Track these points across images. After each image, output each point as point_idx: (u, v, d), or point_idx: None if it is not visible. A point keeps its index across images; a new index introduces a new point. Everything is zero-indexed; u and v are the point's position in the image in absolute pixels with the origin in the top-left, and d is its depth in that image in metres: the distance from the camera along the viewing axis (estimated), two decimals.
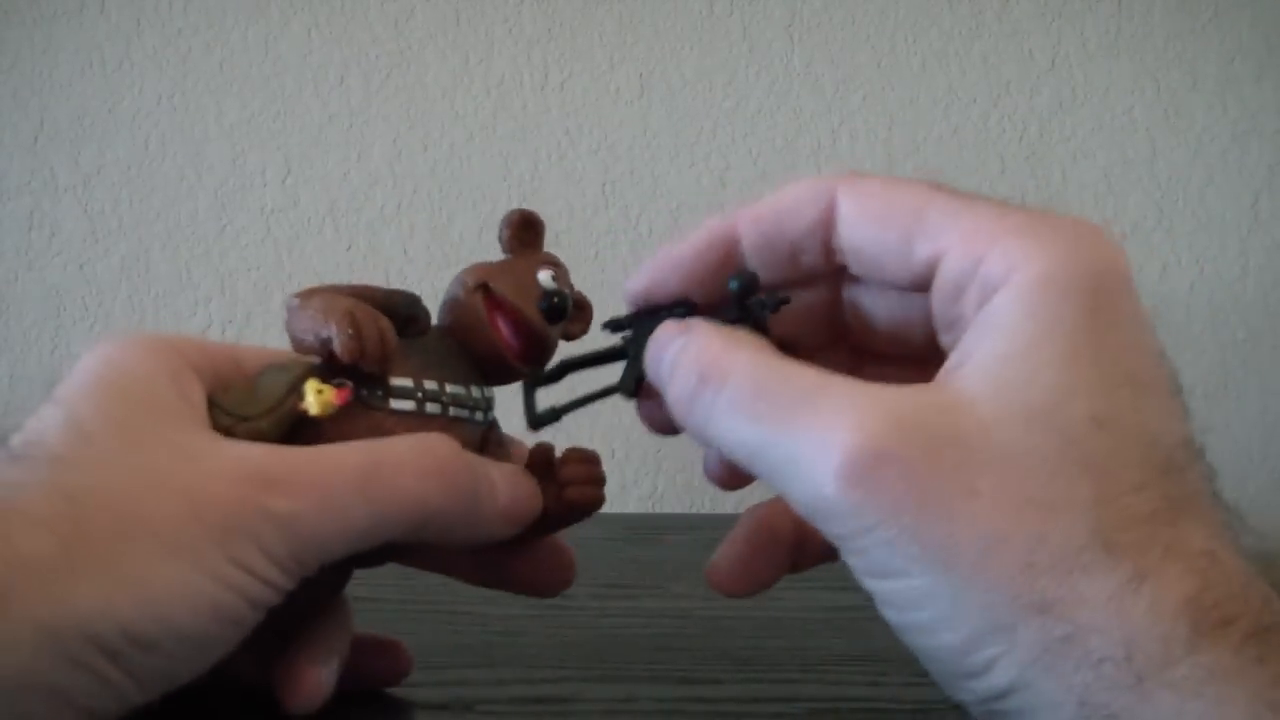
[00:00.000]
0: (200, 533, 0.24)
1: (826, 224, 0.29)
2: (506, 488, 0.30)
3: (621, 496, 0.71)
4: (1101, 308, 0.25)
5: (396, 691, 0.34)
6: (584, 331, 0.33)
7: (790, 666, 0.37)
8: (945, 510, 0.23)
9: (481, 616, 0.40)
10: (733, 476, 0.32)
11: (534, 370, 0.32)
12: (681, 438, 0.30)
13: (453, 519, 0.28)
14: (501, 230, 0.32)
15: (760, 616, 0.41)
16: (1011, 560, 0.23)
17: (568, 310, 0.32)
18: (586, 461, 0.31)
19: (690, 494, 0.72)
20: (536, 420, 0.32)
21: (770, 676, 0.36)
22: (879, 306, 0.30)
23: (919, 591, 0.23)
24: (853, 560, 0.25)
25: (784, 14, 0.73)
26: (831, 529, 0.24)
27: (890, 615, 0.25)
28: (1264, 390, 0.74)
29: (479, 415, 0.31)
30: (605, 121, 0.72)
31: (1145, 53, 0.74)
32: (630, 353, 0.31)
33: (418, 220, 0.71)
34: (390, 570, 0.32)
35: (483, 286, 0.31)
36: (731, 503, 0.66)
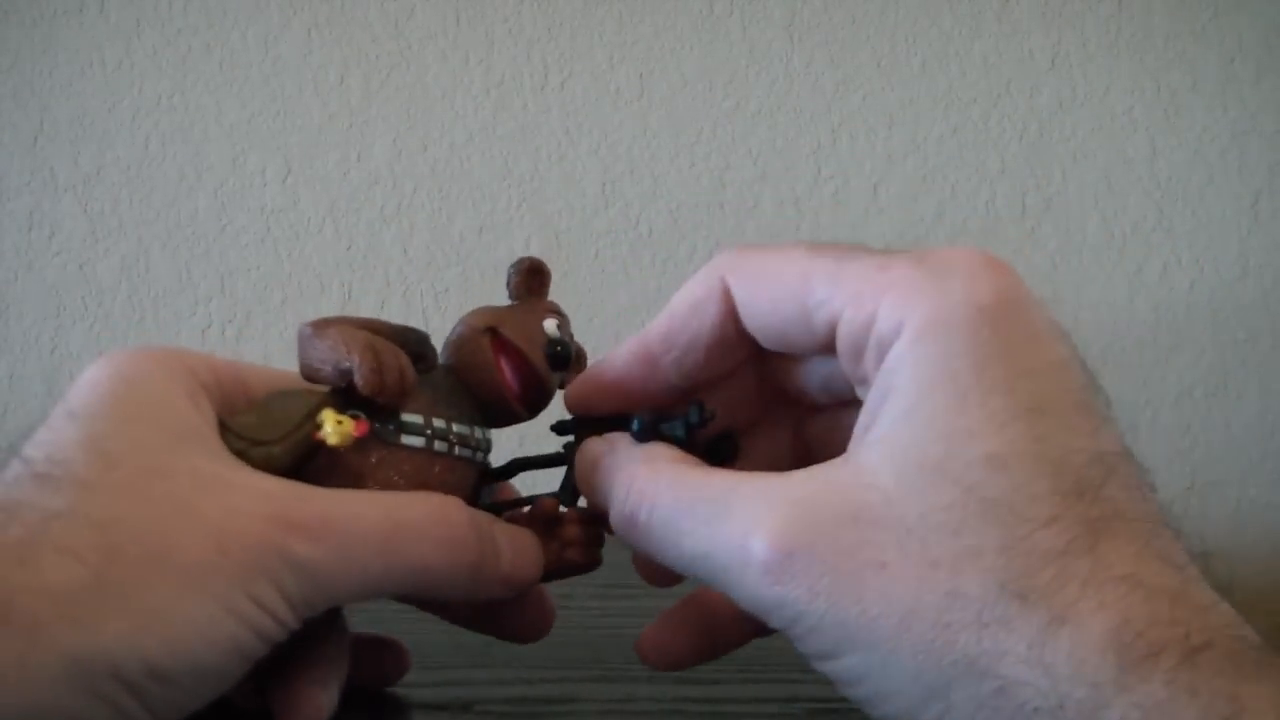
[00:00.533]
0: (224, 569, 0.25)
1: (731, 315, 0.29)
2: (511, 554, 0.30)
3: None
4: (989, 340, 0.24)
5: (396, 691, 0.34)
6: None
7: (790, 666, 0.37)
8: (857, 589, 0.23)
9: None
10: (661, 576, 0.33)
11: (487, 466, 0.33)
12: None
13: (453, 584, 0.29)
14: (510, 276, 0.33)
15: None
16: (927, 625, 0.23)
17: (570, 359, 0.32)
18: (588, 523, 0.32)
19: None
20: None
21: (770, 676, 0.36)
22: (804, 370, 0.31)
23: (854, 670, 0.24)
24: (798, 647, 0.25)
25: (784, 14, 0.73)
26: (770, 624, 0.25)
27: (845, 692, 0.25)
28: (1264, 390, 0.74)
29: (480, 455, 0.32)
30: (605, 121, 0.72)
31: (1145, 53, 0.74)
32: (568, 469, 0.32)
33: (418, 220, 0.71)
34: None
35: (491, 330, 0.32)
36: None
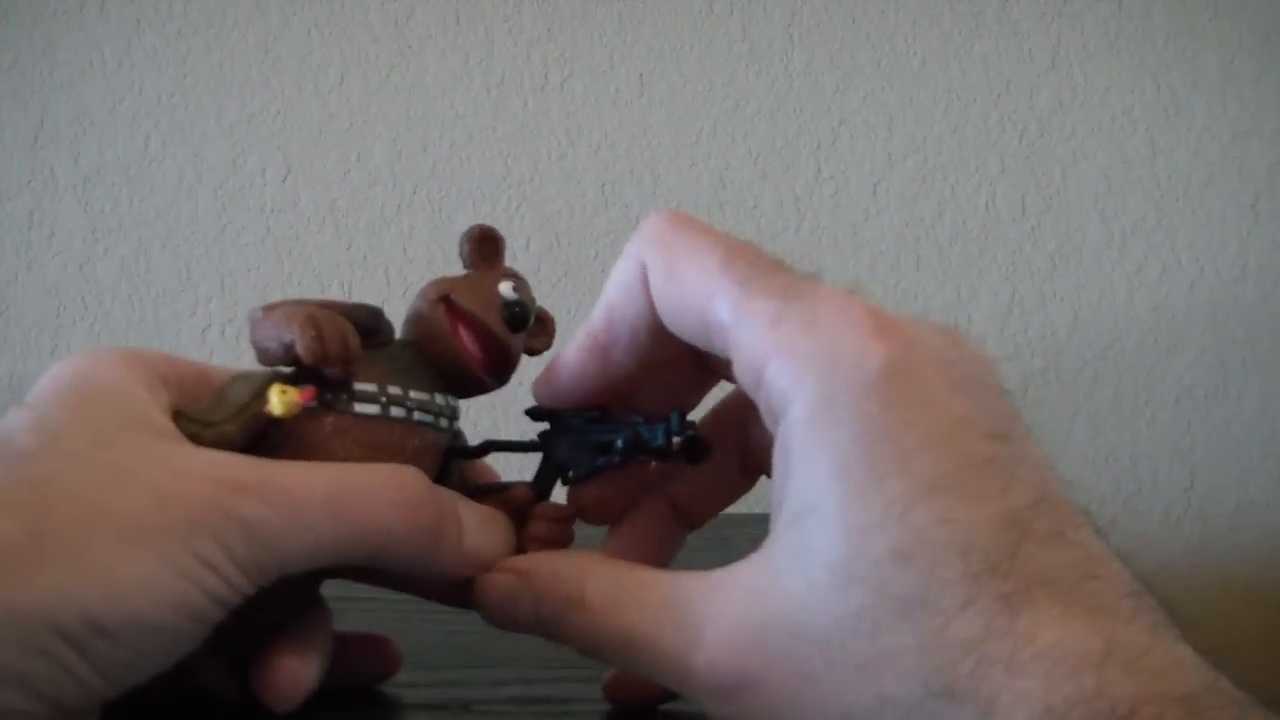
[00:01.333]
0: (166, 525, 0.24)
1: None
2: (475, 531, 0.30)
3: None
4: (878, 421, 0.23)
5: (394, 691, 0.34)
6: (547, 346, 0.34)
7: None
8: (794, 703, 0.23)
9: (480, 616, 0.40)
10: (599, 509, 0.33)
11: (458, 445, 0.33)
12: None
13: (413, 552, 0.28)
14: (462, 245, 0.33)
15: None
16: None
17: (529, 320, 0.32)
18: (557, 521, 0.32)
19: None
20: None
21: None
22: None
23: None
24: None
25: (784, 14, 0.73)
26: None
27: None
28: (1264, 390, 0.74)
29: (444, 422, 0.31)
30: (605, 121, 0.72)
31: (1145, 53, 0.74)
32: (544, 457, 0.32)
33: (418, 220, 0.71)
34: None
35: (445, 299, 0.31)
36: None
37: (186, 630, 0.25)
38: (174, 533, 0.24)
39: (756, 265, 0.27)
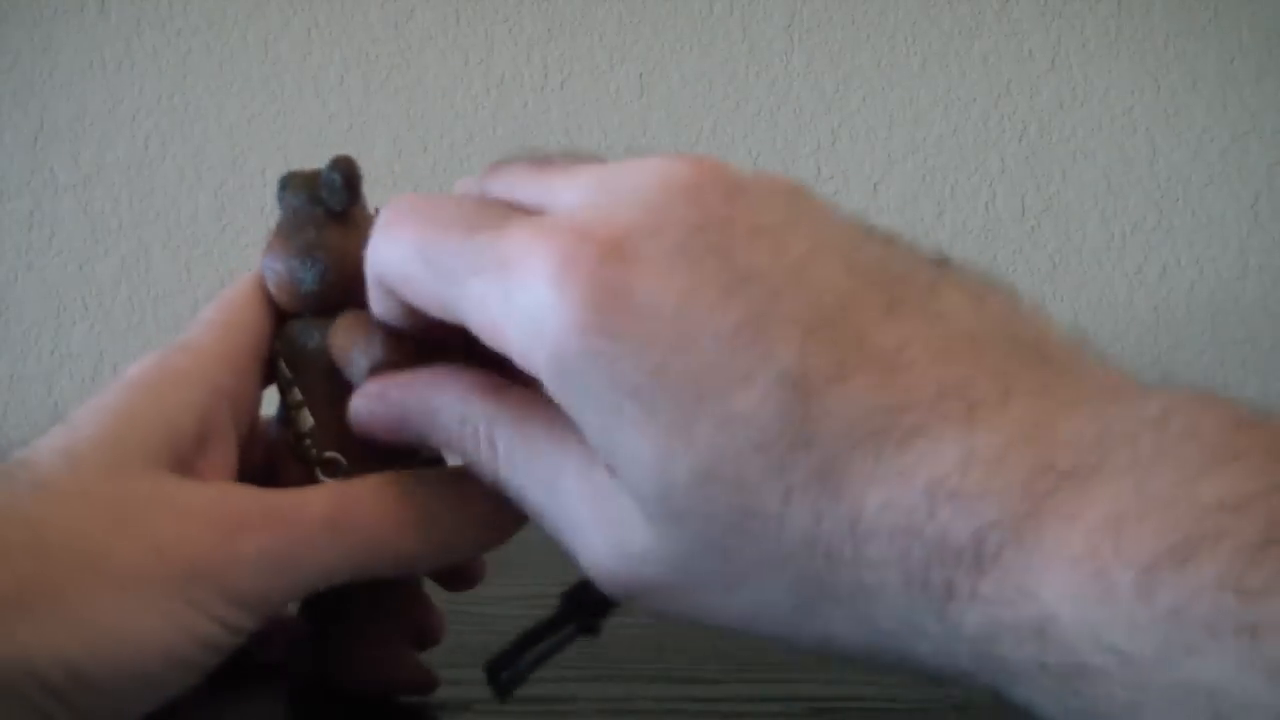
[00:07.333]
0: (163, 576, 0.24)
1: None
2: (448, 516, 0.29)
3: None
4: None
5: None
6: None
7: (790, 666, 0.37)
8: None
9: (481, 616, 0.40)
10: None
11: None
12: None
13: (403, 558, 0.28)
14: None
15: None
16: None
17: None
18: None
19: None
20: (503, 692, 0.31)
21: (770, 676, 0.36)
22: None
23: None
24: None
25: (784, 14, 0.73)
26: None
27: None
28: (1264, 390, 0.74)
29: None
30: (605, 121, 0.72)
31: (1145, 53, 0.74)
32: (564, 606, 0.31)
33: None
34: None
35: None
36: None
37: (176, 678, 0.25)
38: (171, 583, 0.24)
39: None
